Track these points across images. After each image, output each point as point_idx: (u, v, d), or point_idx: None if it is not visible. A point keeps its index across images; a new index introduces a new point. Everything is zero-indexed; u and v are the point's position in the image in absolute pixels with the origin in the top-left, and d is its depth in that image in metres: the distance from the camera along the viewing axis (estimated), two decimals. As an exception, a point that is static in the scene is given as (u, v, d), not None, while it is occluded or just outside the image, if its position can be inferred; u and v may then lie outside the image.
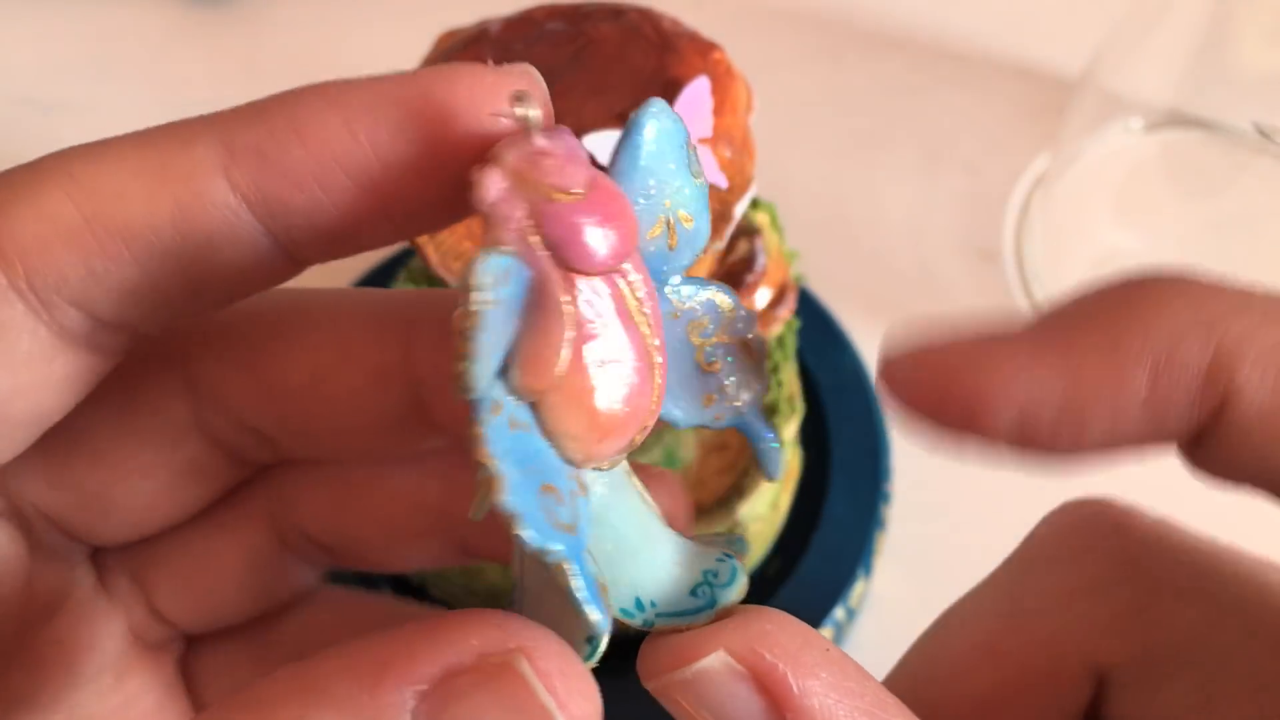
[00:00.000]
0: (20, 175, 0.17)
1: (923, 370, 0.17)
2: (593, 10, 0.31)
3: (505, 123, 0.16)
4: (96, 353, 0.18)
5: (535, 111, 0.16)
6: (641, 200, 0.17)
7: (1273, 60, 0.43)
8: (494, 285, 0.15)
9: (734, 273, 0.32)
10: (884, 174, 0.48)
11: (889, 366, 0.18)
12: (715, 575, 0.18)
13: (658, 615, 0.18)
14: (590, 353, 0.16)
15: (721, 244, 0.29)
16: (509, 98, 0.16)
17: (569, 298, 0.15)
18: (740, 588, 0.18)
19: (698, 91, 0.28)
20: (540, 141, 0.15)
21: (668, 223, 0.17)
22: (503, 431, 0.15)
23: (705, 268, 0.31)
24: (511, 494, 0.14)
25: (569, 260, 0.15)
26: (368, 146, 0.17)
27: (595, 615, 0.15)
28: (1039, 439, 0.17)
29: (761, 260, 0.31)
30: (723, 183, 0.29)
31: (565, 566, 0.15)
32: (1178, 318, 0.16)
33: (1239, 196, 0.46)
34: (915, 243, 0.45)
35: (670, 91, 0.28)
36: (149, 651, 0.22)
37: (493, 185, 0.15)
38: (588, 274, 0.16)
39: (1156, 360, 0.16)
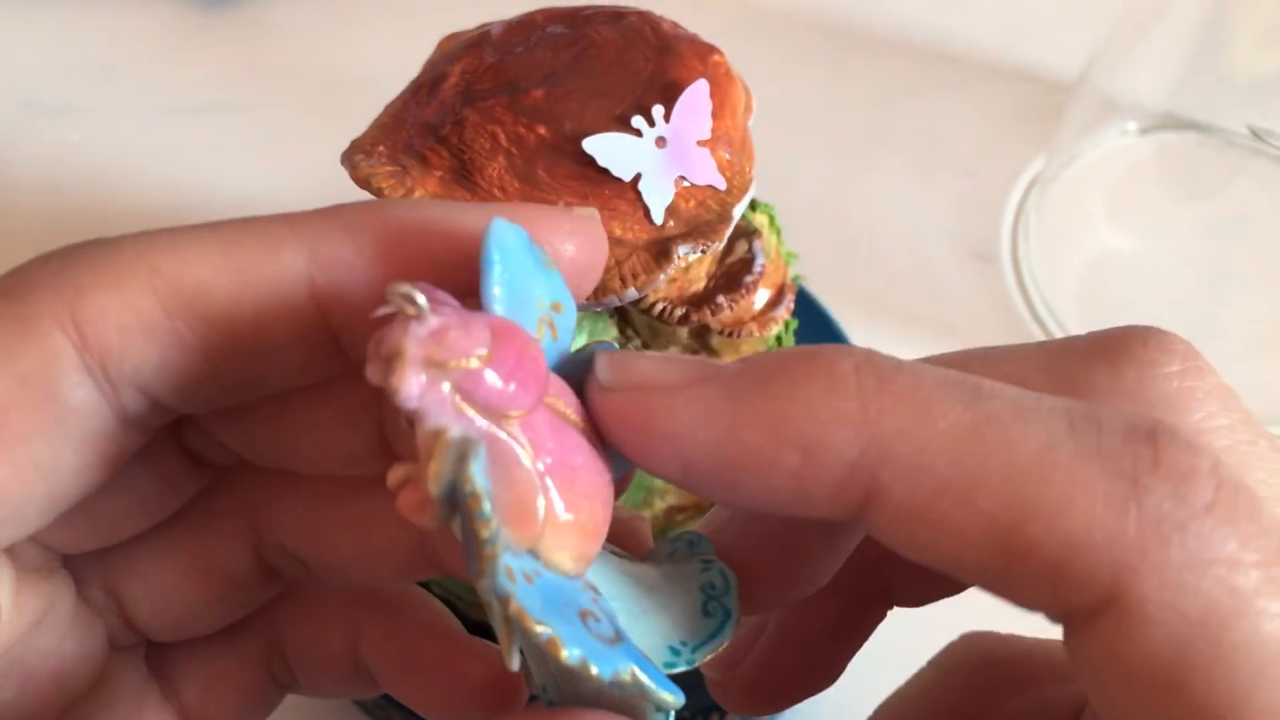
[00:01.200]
0: (101, 258, 0.18)
1: (621, 396, 0.18)
2: (593, 14, 0.31)
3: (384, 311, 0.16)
4: (145, 433, 0.19)
5: (417, 292, 0.15)
6: (523, 317, 0.17)
7: (1267, 63, 0.43)
8: (474, 472, 0.15)
9: (732, 274, 0.32)
10: (882, 176, 0.48)
11: (602, 392, 0.18)
12: (712, 586, 0.18)
13: (693, 651, 0.18)
14: (559, 484, 0.16)
15: (720, 245, 0.29)
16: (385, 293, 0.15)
17: (522, 447, 0.16)
18: (735, 584, 0.18)
19: (697, 94, 0.29)
20: (434, 320, 0.15)
21: (547, 321, 0.18)
22: (529, 592, 0.15)
23: (705, 268, 0.31)
24: (569, 645, 0.15)
25: (506, 411, 0.16)
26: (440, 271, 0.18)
27: (672, 697, 0.16)
28: (696, 484, 0.17)
29: (760, 261, 0.32)
30: (721, 185, 0.29)
31: (637, 675, 0.15)
32: (838, 407, 0.16)
33: (1234, 198, 0.46)
34: (913, 244, 0.46)
35: (670, 94, 0.29)
36: (123, 653, 0.22)
37: (413, 383, 0.15)
38: (524, 415, 0.16)
39: (808, 444, 0.16)
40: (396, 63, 0.35)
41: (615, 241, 0.28)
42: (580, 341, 0.34)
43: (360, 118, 0.31)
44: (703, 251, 0.28)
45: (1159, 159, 0.47)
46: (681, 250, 0.28)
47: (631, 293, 0.28)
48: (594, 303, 0.28)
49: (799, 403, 0.16)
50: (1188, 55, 0.43)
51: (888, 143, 0.49)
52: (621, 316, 0.34)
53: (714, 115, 0.29)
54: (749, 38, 0.52)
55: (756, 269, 0.31)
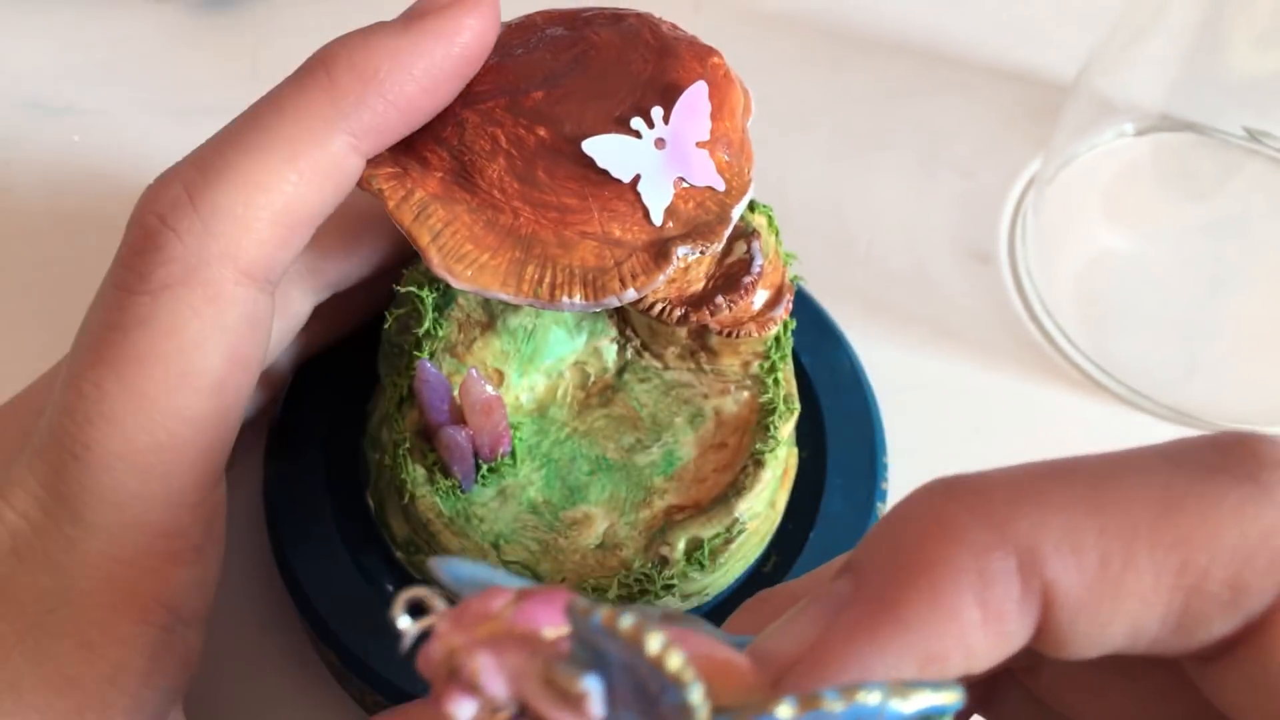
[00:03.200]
0: (223, 193, 0.25)
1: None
2: (593, 15, 0.31)
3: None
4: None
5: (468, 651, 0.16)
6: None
7: (1263, 64, 0.43)
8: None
9: (731, 274, 0.32)
10: (880, 177, 0.48)
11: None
12: None
13: None
14: None
15: (719, 246, 0.29)
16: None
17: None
18: None
19: (696, 95, 0.29)
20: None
21: None
22: None
23: (704, 269, 0.32)
24: None
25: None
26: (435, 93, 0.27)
27: None
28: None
29: (759, 262, 0.32)
30: (720, 186, 0.29)
31: None
32: (975, 543, 0.17)
33: (1230, 199, 0.46)
34: (911, 245, 0.46)
35: (669, 96, 0.29)
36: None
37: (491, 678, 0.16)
38: None
39: (976, 590, 0.17)
40: (397, 64, 0.35)
41: (615, 242, 0.28)
42: (581, 340, 0.34)
43: (361, 119, 0.31)
44: (702, 252, 0.28)
45: (1156, 160, 0.47)
46: (681, 251, 0.28)
47: (631, 293, 0.28)
48: (594, 303, 0.28)
49: (939, 565, 0.17)
50: (1184, 57, 0.43)
51: (886, 144, 0.49)
52: (621, 317, 0.34)
53: (713, 117, 0.29)
54: (748, 39, 0.52)
55: (755, 269, 0.32)
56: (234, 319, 0.24)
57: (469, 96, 0.29)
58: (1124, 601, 0.16)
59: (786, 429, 0.34)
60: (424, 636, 0.17)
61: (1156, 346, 0.43)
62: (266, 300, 0.26)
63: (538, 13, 0.31)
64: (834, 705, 0.15)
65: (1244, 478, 0.17)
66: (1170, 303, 0.44)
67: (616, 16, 0.31)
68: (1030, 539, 0.17)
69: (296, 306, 0.31)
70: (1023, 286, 0.45)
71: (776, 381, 0.34)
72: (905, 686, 0.16)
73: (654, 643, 0.15)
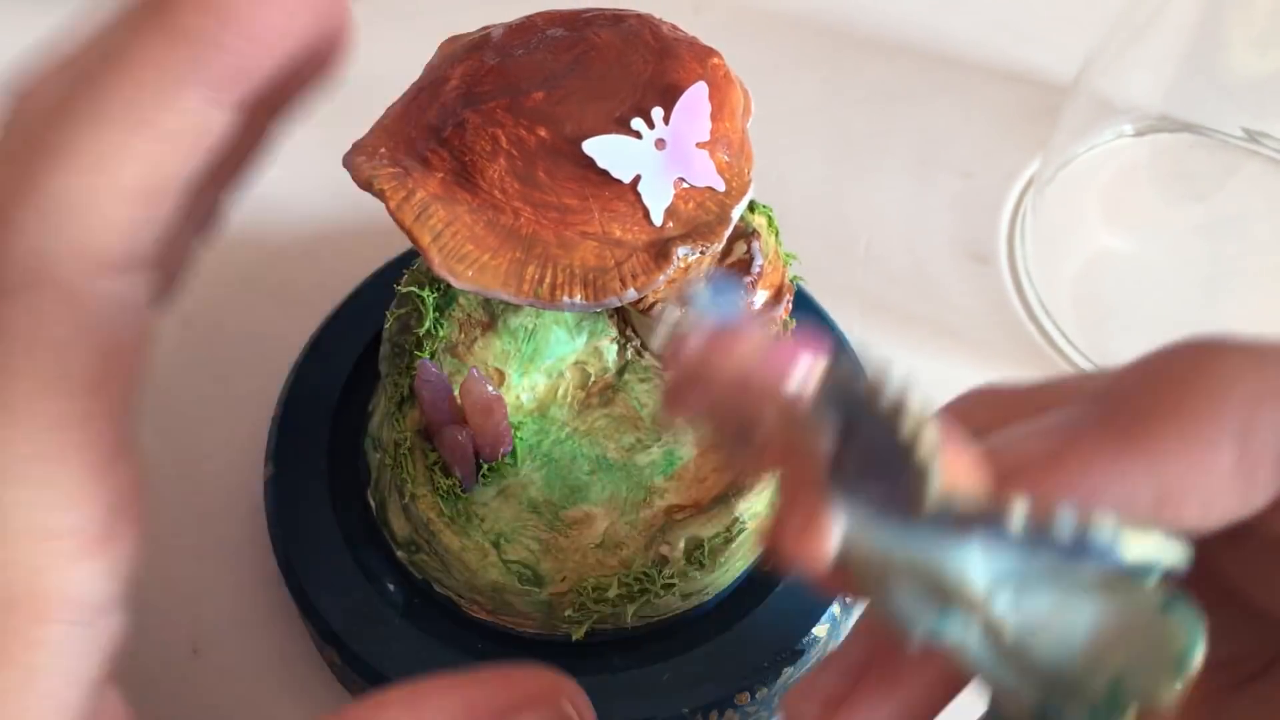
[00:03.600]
0: (58, 180, 0.21)
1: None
2: (593, 17, 0.31)
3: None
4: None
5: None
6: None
7: (1261, 65, 0.43)
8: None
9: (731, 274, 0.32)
10: (879, 177, 0.48)
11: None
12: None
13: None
14: None
15: (719, 246, 0.29)
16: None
17: None
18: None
19: (696, 96, 0.29)
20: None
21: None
22: None
23: (704, 269, 0.32)
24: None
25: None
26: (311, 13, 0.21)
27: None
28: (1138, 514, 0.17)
29: (759, 262, 0.32)
30: (720, 186, 0.29)
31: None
32: (1249, 389, 0.16)
33: (1228, 199, 0.46)
34: (910, 245, 0.46)
35: (669, 96, 0.29)
36: None
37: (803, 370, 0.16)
38: None
39: (1237, 436, 0.16)
40: (397, 65, 0.36)
41: (615, 242, 0.28)
42: (581, 340, 0.34)
43: (361, 120, 0.31)
44: (702, 252, 0.28)
45: (1154, 160, 0.47)
46: (681, 251, 0.28)
47: (631, 293, 0.28)
48: (594, 303, 0.28)
49: (1207, 402, 0.16)
50: (1183, 57, 0.43)
51: (885, 144, 0.49)
52: (621, 317, 0.34)
53: (713, 117, 0.29)
54: (748, 41, 0.52)
55: (755, 269, 0.32)
56: (98, 313, 0.22)
57: (470, 97, 0.29)
58: None
59: (786, 429, 0.34)
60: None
61: (1155, 346, 0.43)
62: (137, 279, 0.23)
63: (538, 14, 0.31)
64: (1064, 525, 0.15)
65: None
66: (1169, 303, 0.44)
67: (617, 17, 0.31)
68: None
69: (201, 124, 0.23)
70: (1022, 286, 0.45)
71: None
72: (1140, 525, 0.15)
73: (913, 422, 0.15)
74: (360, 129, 0.31)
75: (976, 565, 0.16)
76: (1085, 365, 0.43)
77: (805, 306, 0.40)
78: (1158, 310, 0.44)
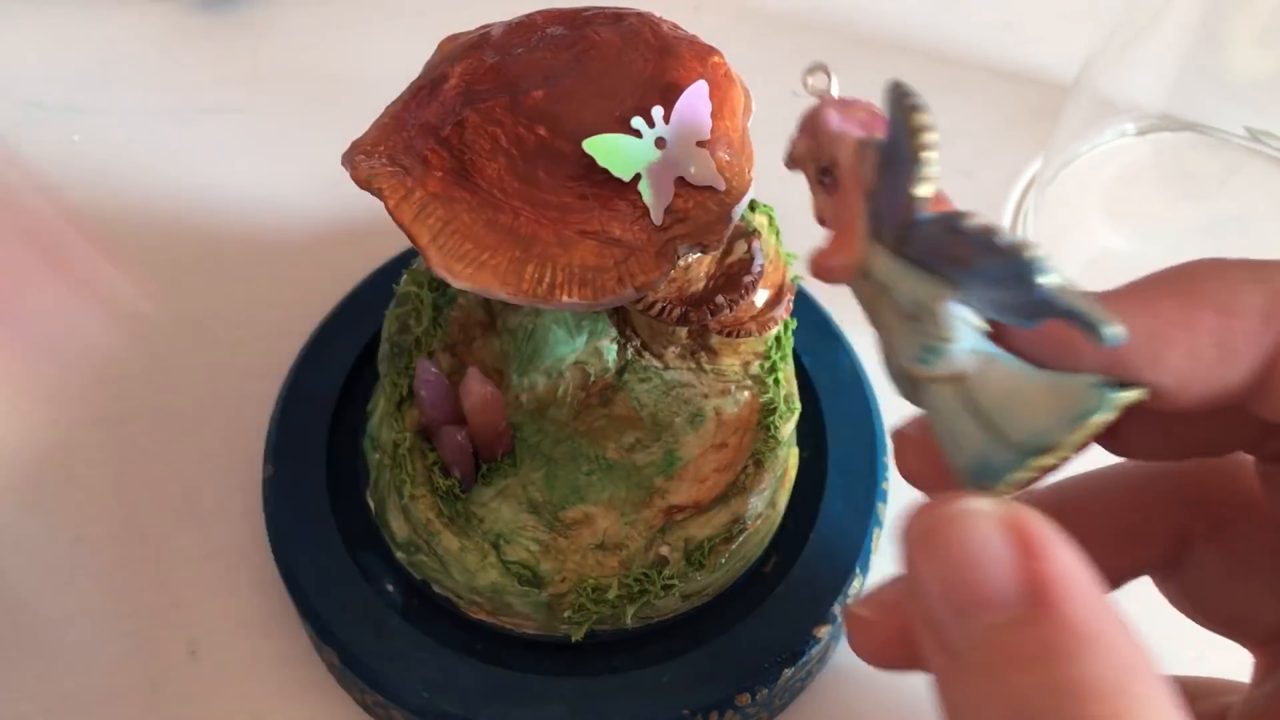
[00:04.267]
0: None
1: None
2: (593, 15, 0.31)
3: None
4: None
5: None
6: None
7: (1264, 64, 0.43)
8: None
9: (732, 274, 0.32)
10: (880, 177, 0.48)
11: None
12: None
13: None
14: None
15: (719, 246, 0.29)
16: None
17: None
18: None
19: (696, 95, 0.29)
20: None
21: None
22: None
23: (704, 269, 0.32)
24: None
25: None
26: None
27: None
28: (1124, 370, 0.19)
29: (759, 262, 0.32)
30: (721, 186, 0.29)
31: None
32: (1235, 274, 0.19)
33: (1231, 199, 0.46)
34: (911, 245, 0.46)
35: (669, 95, 0.29)
36: None
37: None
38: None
39: (1219, 304, 0.19)
40: (397, 64, 0.35)
41: (615, 242, 0.28)
42: (581, 340, 0.34)
43: (360, 119, 0.31)
44: (702, 252, 0.28)
45: (1156, 160, 0.47)
46: (681, 251, 0.28)
47: (631, 293, 0.28)
48: (594, 302, 0.28)
49: (1198, 281, 0.19)
50: (1185, 56, 0.43)
51: (886, 144, 0.49)
52: (621, 316, 0.34)
53: (713, 116, 0.29)
54: (748, 39, 0.52)
55: (756, 269, 0.32)
56: None
57: (469, 96, 0.29)
58: None
59: (787, 429, 0.34)
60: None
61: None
62: None
63: (538, 12, 0.31)
64: (1006, 236, 0.18)
65: None
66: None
67: (617, 16, 0.31)
68: None
69: None
70: (1023, 286, 0.45)
71: (777, 381, 0.34)
72: (1072, 286, 0.18)
73: (922, 118, 0.19)
74: (359, 128, 0.31)
75: (953, 303, 0.20)
76: (1087, 365, 0.42)
77: (806, 306, 0.40)
78: (1159, 310, 0.44)
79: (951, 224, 0.19)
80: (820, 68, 0.24)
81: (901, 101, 0.19)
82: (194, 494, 0.40)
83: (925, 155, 0.19)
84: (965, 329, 0.20)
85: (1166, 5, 0.41)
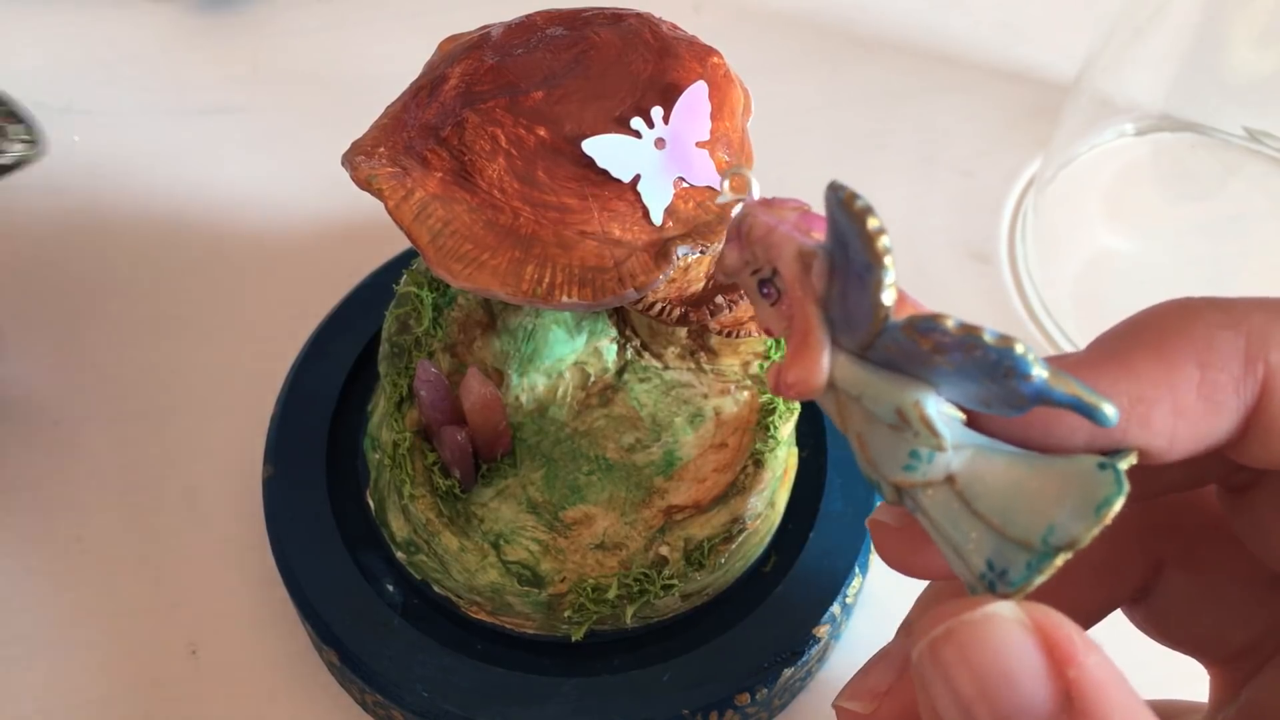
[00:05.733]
0: None
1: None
2: (592, 16, 0.31)
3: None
4: None
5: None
6: None
7: (1263, 64, 0.43)
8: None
9: (731, 274, 0.32)
10: (880, 177, 0.48)
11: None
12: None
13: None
14: None
15: (719, 246, 0.29)
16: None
17: None
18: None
19: (696, 95, 0.29)
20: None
21: None
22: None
23: (703, 269, 0.32)
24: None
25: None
26: None
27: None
28: (1111, 438, 0.19)
29: (759, 261, 0.32)
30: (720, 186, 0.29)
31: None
32: (1208, 320, 0.18)
33: (1230, 199, 0.46)
34: (910, 245, 0.46)
35: (669, 96, 0.29)
36: None
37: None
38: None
39: (1199, 354, 0.18)
40: (396, 64, 0.36)
41: (614, 242, 0.28)
42: (581, 340, 0.34)
43: (360, 119, 0.31)
44: (701, 252, 0.28)
45: (1156, 160, 0.47)
46: (680, 251, 0.28)
47: (631, 293, 0.28)
48: (594, 303, 0.28)
49: (1174, 332, 0.18)
50: (1184, 56, 0.43)
51: (885, 144, 0.49)
52: (621, 316, 0.34)
53: (713, 117, 0.29)
54: (747, 39, 0.52)
55: (755, 269, 0.32)
56: None
57: (469, 96, 0.29)
58: None
59: (786, 429, 0.34)
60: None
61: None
62: None
63: (538, 13, 0.31)
64: (989, 338, 0.17)
65: None
66: (1170, 303, 0.44)
67: (616, 16, 0.31)
68: (1262, 327, 0.18)
69: None
70: (1023, 286, 0.45)
71: (776, 381, 0.34)
72: (1058, 371, 0.17)
73: (873, 222, 0.18)
74: (359, 128, 0.31)
75: (932, 398, 0.18)
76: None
77: (805, 306, 0.40)
78: (1159, 310, 0.44)
79: (929, 328, 0.17)
80: (737, 171, 0.23)
81: (849, 206, 0.18)
82: (194, 494, 0.40)
83: (886, 261, 0.18)
84: (949, 426, 0.19)
85: (1166, 6, 0.41)
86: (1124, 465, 0.18)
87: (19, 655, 0.36)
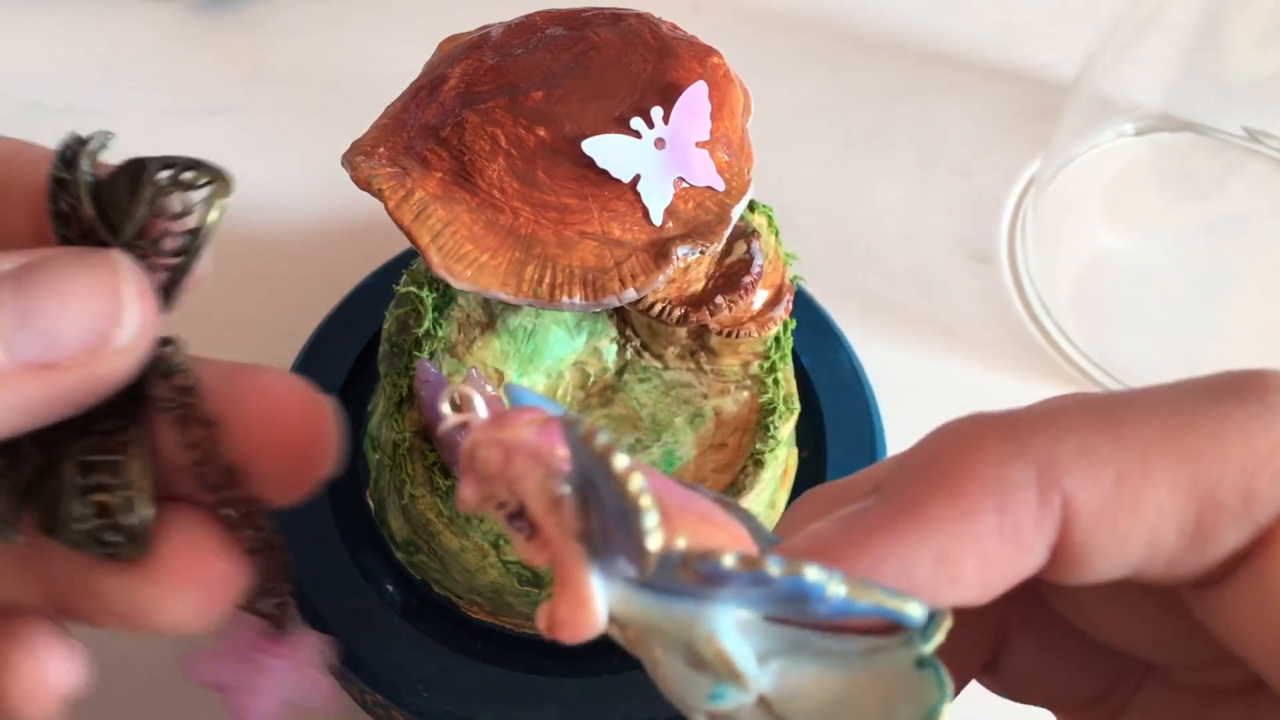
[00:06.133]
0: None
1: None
2: (592, 16, 0.31)
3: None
4: None
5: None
6: None
7: (1262, 64, 0.43)
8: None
9: (731, 274, 0.32)
10: (880, 177, 0.48)
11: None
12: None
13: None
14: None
15: (719, 246, 0.29)
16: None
17: None
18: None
19: (696, 95, 0.29)
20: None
21: None
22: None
23: (703, 269, 0.32)
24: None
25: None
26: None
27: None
28: (924, 597, 0.18)
29: (759, 262, 0.32)
30: (720, 186, 0.29)
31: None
32: (995, 453, 0.18)
33: (1230, 199, 0.46)
34: (910, 245, 0.46)
35: (669, 96, 0.29)
36: None
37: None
38: None
39: (994, 496, 0.17)
40: (396, 64, 0.35)
41: (614, 242, 0.28)
42: (581, 340, 0.34)
43: (360, 119, 0.31)
44: (701, 252, 0.28)
45: (1155, 160, 0.47)
46: (680, 251, 0.28)
47: (630, 293, 0.28)
48: (594, 303, 0.28)
49: (961, 472, 0.18)
50: (1184, 57, 0.43)
51: (886, 144, 0.49)
52: (621, 317, 0.34)
53: (713, 117, 0.29)
54: (747, 40, 0.52)
55: (755, 270, 0.32)
56: None
57: (469, 96, 0.29)
58: (1141, 512, 0.17)
59: (786, 429, 0.34)
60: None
61: (1156, 346, 0.43)
62: None
63: (538, 13, 0.31)
64: (774, 570, 0.15)
65: (1252, 399, 0.17)
66: (1170, 303, 0.44)
67: (616, 16, 0.31)
68: (1049, 452, 0.17)
69: None
70: (1022, 286, 0.45)
71: (776, 381, 0.34)
72: (856, 581, 0.16)
73: (620, 462, 0.15)
74: (359, 128, 0.31)
75: (726, 626, 0.17)
76: (1085, 365, 0.42)
77: (805, 306, 0.40)
78: (1158, 310, 0.44)
79: (707, 571, 0.15)
80: (453, 391, 0.20)
81: (589, 445, 0.15)
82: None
83: (643, 504, 0.15)
84: (748, 642, 0.17)
85: (1165, 6, 0.41)
86: (938, 639, 0.17)
87: (19, 655, 0.36)
